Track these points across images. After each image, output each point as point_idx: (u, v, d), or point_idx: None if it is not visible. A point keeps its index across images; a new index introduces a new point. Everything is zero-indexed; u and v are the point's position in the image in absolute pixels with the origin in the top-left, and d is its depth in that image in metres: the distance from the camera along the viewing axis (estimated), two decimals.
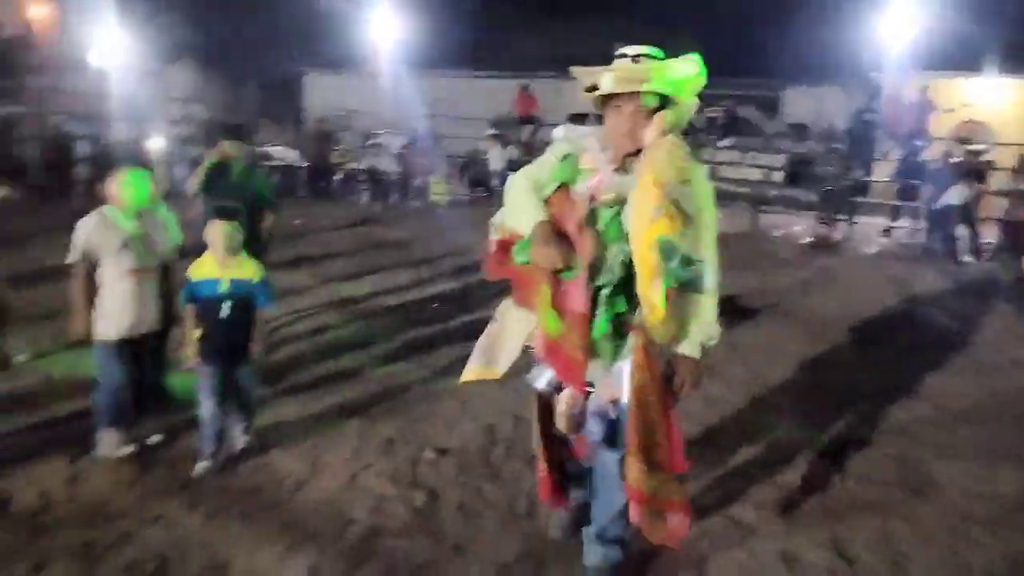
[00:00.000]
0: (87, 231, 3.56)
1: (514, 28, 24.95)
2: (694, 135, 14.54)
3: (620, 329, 2.48)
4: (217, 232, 3.49)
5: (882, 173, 12.33)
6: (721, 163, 12.33)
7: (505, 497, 3.38)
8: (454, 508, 3.29)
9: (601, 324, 2.45)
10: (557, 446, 2.80)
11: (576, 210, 2.41)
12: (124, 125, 13.90)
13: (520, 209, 2.48)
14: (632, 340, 2.46)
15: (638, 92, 2.34)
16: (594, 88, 2.40)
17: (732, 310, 7.04)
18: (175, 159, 11.72)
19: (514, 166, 14.48)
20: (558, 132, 2.57)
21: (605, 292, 2.44)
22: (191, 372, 3.56)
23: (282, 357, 5.12)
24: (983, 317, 6.94)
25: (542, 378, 2.65)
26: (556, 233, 2.40)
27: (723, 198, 12.69)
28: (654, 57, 2.39)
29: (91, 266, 3.56)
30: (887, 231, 11.17)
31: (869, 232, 11.11)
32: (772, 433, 4.20)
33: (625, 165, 2.41)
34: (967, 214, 9.73)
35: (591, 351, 2.46)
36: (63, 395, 4.18)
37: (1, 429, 3.84)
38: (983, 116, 12.85)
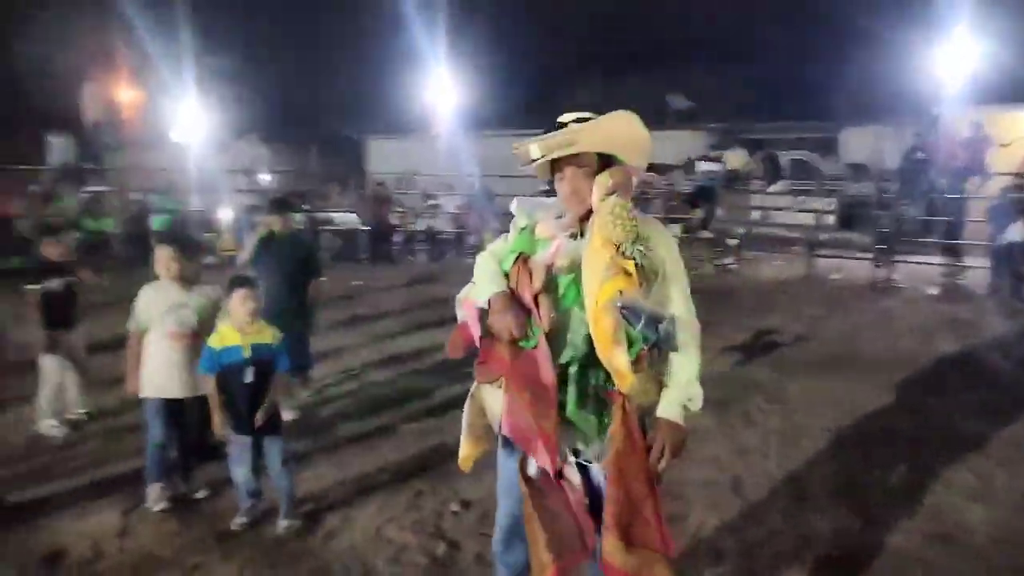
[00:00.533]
0: (139, 300, 3.92)
1: (566, 85, 25.53)
2: (733, 183, 14.54)
3: (601, 401, 2.34)
4: (235, 300, 3.66)
5: (941, 212, 12.03)
6: (770, 209, 12.24)
7: None
8: (472, 558, 3.41)
9: (572, 401, 2.33)
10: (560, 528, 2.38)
11: (533, 279, 2.36)
12: (198, 197, 14.85)
13: (481, 283, 2.48)
14: (614, 408, 2.30)
15: (577, 155, 2.31)
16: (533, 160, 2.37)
17: (778, 356, 7.01)
18: (242, 227, 12.41)
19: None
20: (513, 204, 2.56)
21: (573, 369, 2.34)
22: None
23: (326, 414, 5.38)
24: None
25: (530, 464, 2.42)
26: (512, 302, 2.36)
27: (775, 244, 12.73)
28: (586, 119, 2.35)
29: (143, 332, 3.91)
30: (948, 271, 10.85)
31: (930, 273, 10.82)
32: (801, 483, 4.18)
33: (581, 229, 2.37)
34: None
35: (566, 426, 2.33)
36: (122, 452, 4.51)
37: (63, 485, 4.18)
38: None
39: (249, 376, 3.64)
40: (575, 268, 2.31)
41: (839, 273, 11.87)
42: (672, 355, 2.28)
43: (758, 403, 5.59)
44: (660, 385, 2.30)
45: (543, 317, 2.33)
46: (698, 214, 15.65)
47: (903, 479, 4.20)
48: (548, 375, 2.30)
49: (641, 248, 2.21)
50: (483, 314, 2.45)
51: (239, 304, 3.67)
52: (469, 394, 2.61)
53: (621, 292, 2.15)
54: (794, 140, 19.29)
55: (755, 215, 12.51)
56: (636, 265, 2.19)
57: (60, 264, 5.10)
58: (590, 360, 2.30)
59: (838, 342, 7.62)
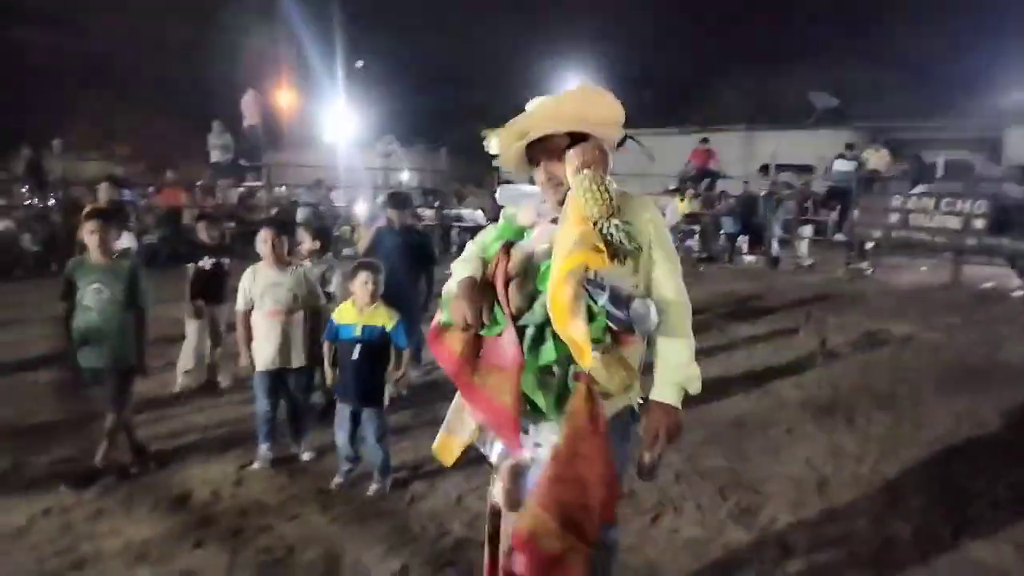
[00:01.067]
0: (242, 281, 4.39)
1: (704, 85, 25.03)
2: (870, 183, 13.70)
3: (560, 379, 2.21)
4: (357, 283, 4.06)
5: None
6: (911, 211, 11.51)
7: None
8: None
9: (528, 372, 2.21)
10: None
11: (509, 266, 2.26)
12: (340, 192, 15.90)
13: (456, 270, 2.40)
14: (577, 387, 2.15)
15: (545, 139, 2.22)
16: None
17: (903, 364, 6.66)
18: (376, 221, 13.18)
19: (693, 219, 14.59)
20: (498, 194, 2.49)
21: (529, 334, 2.21)
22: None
23: (431, 393, 5.71)
24: None
25: (493, 450, 2.43)
26: (472, 290, 2.27)
27: (916, 248, 11.92)
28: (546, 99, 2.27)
29: (248, 310, 4.37)
30: None
31: None
32: (893, 489, 4.04)
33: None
34: None
35: (524, 404, 2.23)
36: (242, 417, 5.03)
37: (194, 439, 4.75)
38: None
39: (356, 353, 3.99)
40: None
41: (991, 282, 11.00)
42: (660, 339, 2.19)
43: (866, 409, 5.38)
44: (631, 375, 2.17)
45: (511, 302, 2.23)
46: (831, 216, 14.96)
47: (1008, 493, 3.94)
48: (514, 358, 2.19)
49: (618, 223, 2.07)
50: (446, 301, 2.39)
51: (360, 287, 4.02)
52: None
53: (587, 267, 2.05)
54: (951, 140, 17.94)
55: (894, 218, 11.75)
56: (609, 241, 2.05)
57: (213, 247, 5.83)
58: (542, 331, 2.19)
59: (974, 353, 7.12)
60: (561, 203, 2.22)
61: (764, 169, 16.45)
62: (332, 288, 5.20)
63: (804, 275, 12.36)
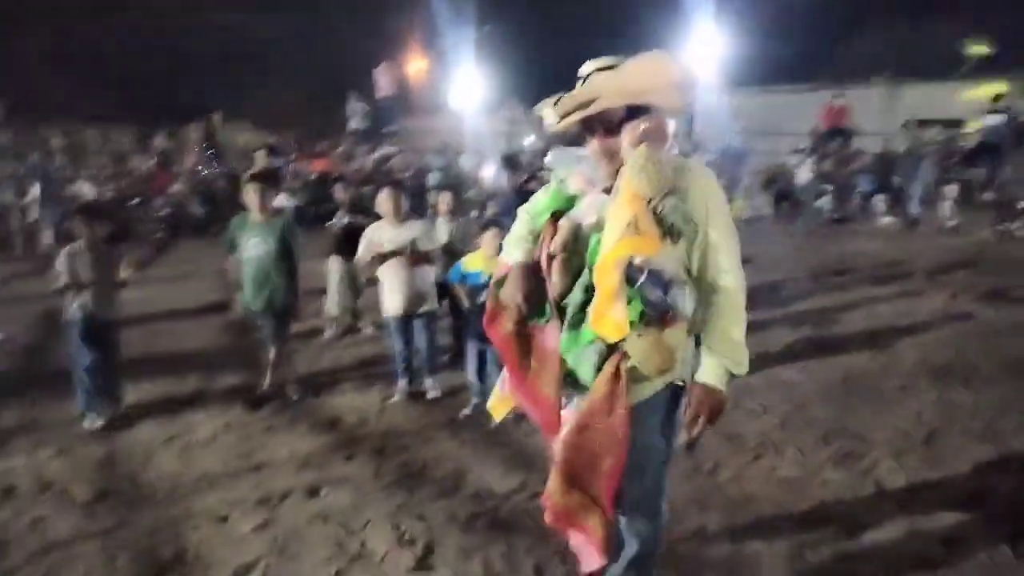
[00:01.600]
0: (364, 237, 4.90)
1: (844, 36, 23.63)
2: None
3: (602, 354, 2.16)
4: (487, 237, 4.57)
5: None
6: None
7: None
8: None
9: (568, 344, 2.20)
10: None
11: (554, 240, 2.23)
12: (468, 157, 16.52)
13: (511, 245, 2.39)
14: (608, 362, 2.13)
15: (602, 112, 2.13)
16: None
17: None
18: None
19: (825, 178, 14.10)
20: (549, 157, 2.36)
21: (570, 312, 2.21)
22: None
23: None
24: None
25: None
26: (525, 279, 2.29)
27: None
28: (608, 68, 2.18)
29: (371, 260, 4.87)
30: None
31: None
32: (1006, 445, 4.06)
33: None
34: None
35: (567, 385, 2.24)
36: (383, 357, 5.63)
37: (343, 376, 5.44)
38: None
39: (483, 296, 4.45)
40: (604, 224, 2.13)
41: None
42: (710, 319, 2.15)
43: (988, 372, 5.27)
44: (670, 359, 2.10)
45: (554, 286, 2.24)
46: (979, 173, 14.00)
47: None
48: (554, 351, 2.22)
49: (673, 201, 2.02)
50: (499, 281, 2.42)
51: (489, 240, 4.53)
52: None
53: (633, 255, 2.02)
54: None
55: None
56: (663, 222, 2.01)
57: (349, 206, 6.49)
58: (583, 310, 2.17)
59: None
60: (614, 174, 2.16)
61: (906, 125, 15.55)
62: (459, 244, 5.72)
63: (946, 237, 11.74)
